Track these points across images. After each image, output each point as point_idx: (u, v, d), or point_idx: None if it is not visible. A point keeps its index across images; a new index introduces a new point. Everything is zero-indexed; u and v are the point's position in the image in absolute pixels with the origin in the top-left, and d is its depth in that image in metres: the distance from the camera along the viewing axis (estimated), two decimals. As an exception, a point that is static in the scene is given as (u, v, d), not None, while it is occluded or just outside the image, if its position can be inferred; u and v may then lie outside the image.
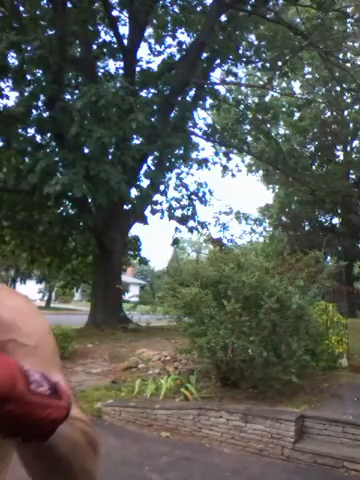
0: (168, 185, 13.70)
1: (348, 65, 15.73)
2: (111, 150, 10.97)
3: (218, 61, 14.71)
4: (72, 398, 0.58)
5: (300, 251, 7.40)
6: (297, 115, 17.69)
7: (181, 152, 13.48)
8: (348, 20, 14.25)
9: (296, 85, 19.94)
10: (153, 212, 12.82)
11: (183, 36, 18.39)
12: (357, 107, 19.33)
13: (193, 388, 4.95)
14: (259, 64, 15.48)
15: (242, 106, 16.23)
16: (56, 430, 0.56)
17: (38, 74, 10.67)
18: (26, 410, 0.53)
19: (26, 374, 0.54)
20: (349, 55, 17.11)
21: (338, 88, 18.04)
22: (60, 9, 9.80)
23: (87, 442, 0.67)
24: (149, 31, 15.00)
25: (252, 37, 15.05)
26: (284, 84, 19.42)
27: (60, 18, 9.70)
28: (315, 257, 7.01)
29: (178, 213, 13.69)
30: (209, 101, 15.96)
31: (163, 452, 4.09)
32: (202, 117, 25.99)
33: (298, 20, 14.19)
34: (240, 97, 17.39)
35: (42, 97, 10.69)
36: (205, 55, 13.71)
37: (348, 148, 20.76)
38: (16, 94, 12.45)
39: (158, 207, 13.08)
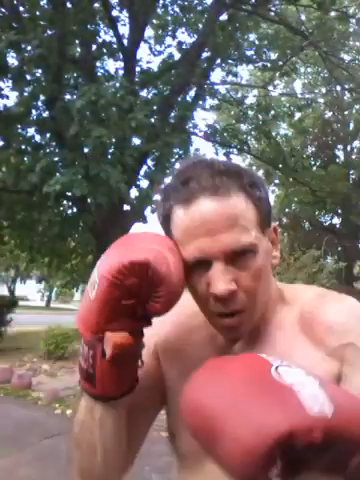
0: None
1: (349, 63, 15.72)
2: (111, 150, 10.98)
3: (218, 61, 14.71)
4: None
5: (300, 251, 7.40)
6: (298, 115, 17.68)
7: (181, 152, 13.48)
8: (350, 20, 14.27)
9: (298, 85, 19.97)
10: (153, 211, 12.83)
11: (183, 36, 18.41)
12: (357, 107, 19.34)
13: (193, 388, 4.95)
14: (260, 64, 15.49)
15: (244, 106, 16.22)
16: None
17: (38, 74, 10.67)
18: None
19: None
20: (350, 55, 17.11)
21: (338, 88, 18.05)
22: (60, 9, 9.80)
23: None
24: (149, 31, 15.01)
25: (253, 37, 15.06)
26: (284, 84, 19.43)
27: (60, 18, 9.70)
28: (314, 256, 7.01)
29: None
30: (210, 102, 15.96)
31: (163, 452, 4.07)
32: (203, 118, 25.95)
33: (301, 19, 14.18)
34: (241, 95, 17.38)
35: (42, 97, 10.69)
36: (205, 55, 13.71)
37: (348, 148, 20.76)
38: (16, 94, 12.44)
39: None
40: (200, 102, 15.19)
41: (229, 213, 0.63)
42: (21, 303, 13.95)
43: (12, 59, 10.39)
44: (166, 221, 0.68)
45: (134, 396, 0.68)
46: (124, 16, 13.61)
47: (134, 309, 0.60)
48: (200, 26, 13.53)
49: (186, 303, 0.66)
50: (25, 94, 10.71)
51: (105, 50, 13.39)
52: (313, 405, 0.43)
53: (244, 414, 0.43)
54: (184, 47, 14.25)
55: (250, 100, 17.28)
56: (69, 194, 10.39)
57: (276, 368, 0.48)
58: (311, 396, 0.44)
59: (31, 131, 11.75)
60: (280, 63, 14.99)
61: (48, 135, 11.78)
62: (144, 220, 12.86)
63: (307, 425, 0.42)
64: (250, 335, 0.70)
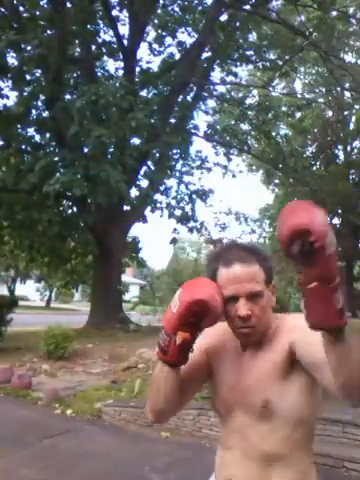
0: (170, 186, 13.74)
1: (351, 62, 15.71)
2: (111, 150, 10.97)
3: (218, 61, 14.70)
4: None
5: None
6: (298, 115, 17.66)
7: (181, 151, 13.47)
8: (350, 20, 14.26)
9: (298, 85, 19.94)
10: (152, 210, 12.82)
11: (183, 36, 18.41)
12: (357, 107, 19.32)
13: (193, 388, 4.95)
14: (260, 64, 15.48)
15: (244, 106, 16.21)
16: (343, 331, 0.90)
17: (38, 74, 10.67)
18: (329, 297, 0.87)
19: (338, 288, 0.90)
20: (350, 55, 17.12)
21: (339, 89, 18.03)
22: (60, 9, 9.80)
23: None
24: (149, 31, 14.99)
25: (253, 37, 15.05)
26: (284, 83, 19.43)
27: (60, 18, 9.69)
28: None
29: (177, 212, 13.71)
30: (211, 103, 15.97)
31: (163, 452, 4.08)
32: (204, 120, 25.95)
33: (301, 19, 14.17)
34: (240, 95, 17.39)
35: (42, 97, 10.68)
36: (205, 55, 13.71)
37: (348, 148, 20.74)
38: (16, 94, 12.45)
39: (158, 205, 13.09)
40: (201, 103, 15.22)
41: (250, 272, 1.16)
42: (21, 303, 13.93)
43: (12, 59, 10.39)
44: (214, 274, 1.20)
45: (190, 370, 1.24)
46: (124, 16, 13.63)
47: (195, 323, 1.11)
48: (200, 26, 13.52)
49: (225, 326, 1.22)
50: (25, 94, 10.71)
51: (105, 50, 13.39)
52: (329, 238, 0.84)
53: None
54: (184, 47, 14.25)
55: (250, 100, 17.29)
56: (69, 194, 10.39)
57: None
58: (331, 239, 0.85)
59: (31, 131, 11.76)
60: (280, 63, 14.98)
61: (48, 135, 11.77)
62: (144, 220, 12.86)
63: (318, 230, 0.82)
64: (257, 344, 1.23)
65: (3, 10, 10.47)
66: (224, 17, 13.54)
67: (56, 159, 10.53)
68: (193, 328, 1.12)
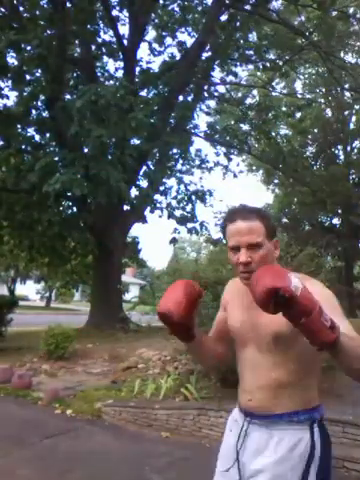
0: (170, 187, 13.74)
1: (351, 62, 15.70)
2: (111, 150, 10.97)
3: (218, 61, 14.70)
4: (339, 330, 1.11)
5: (297, 249, 7.35)
6: (298, 115, 17.67)
7: (181, 151, 13.46)
8: (350, 20, 14.26)
9: (298, 85, 19.92)
10: (152, 210, 12.81)
11: (183, 36, 18.42)
12: (357, 107, 19.32)
13: (193, 388, 4.94)
14: (260, 64, 15.48)
15: (243, 106, 16.20)
16: (337, 345, 1.10)
17: (38, 74, 10.67)
18: (314, 326, 1.07)
19: (322, 311, 1.09)
20: (350, 55, 17.11)
21: (339, 89, 18.03)
22: (60, 9, 9.80)
23: None
24: (149, 30, 14.99)
25: (253, 37, 15.05)
26: (284, 83, 19.43)
27: (60, 18, 9.69)
28: (310, 254, 6.96)
29: (177, 213, 13.70)
30: (211, 103, 15.95)
31: (163, 452, 4.08)
32: (206, 121, 25.93)
33: (301, 19, 14.17)
34: (240, 95, 17.38)
35: (42, 97, 10.68)
36: (205, 55, 13.70)
37: (348, 148, 20.73)
38: (16, 94, 12.45)
39: (157, 205, 13.08)
40: (201, 103, 15.21)
41: (250, 227, 1.40)
42: (21, 303, 13.91)
43: (12, 59, 10.39)
44: (224, 230, 1.46)
45: (218, 326, 1.67)
46: (124, 16, 13.63)
47: (168, 323, 1.35)
48: (200, 26, 13.52)
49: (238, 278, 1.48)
50: (25, 94, 10.70)
51: (105, 50, 13.39)
52: (293, 284, 1.08)
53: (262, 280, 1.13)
54: (184, 47, 14.25)
55: (250, 100, 17.28)
56: (69, 194, 10.38)
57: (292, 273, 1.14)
58: (295, 283, 1.09)
59: (31, 131, 11.75)
60: (280, 63, 14.98)
61: (48, 135, 11.77)
62: (144, 220, 12.85)
63: (284, 287, 1.07)
64: None
65: (3, 10, 10.47)
66: (224, 17, 13.53)
67: (56, 159, 10.52)
68: (169, 325, 1.37)
